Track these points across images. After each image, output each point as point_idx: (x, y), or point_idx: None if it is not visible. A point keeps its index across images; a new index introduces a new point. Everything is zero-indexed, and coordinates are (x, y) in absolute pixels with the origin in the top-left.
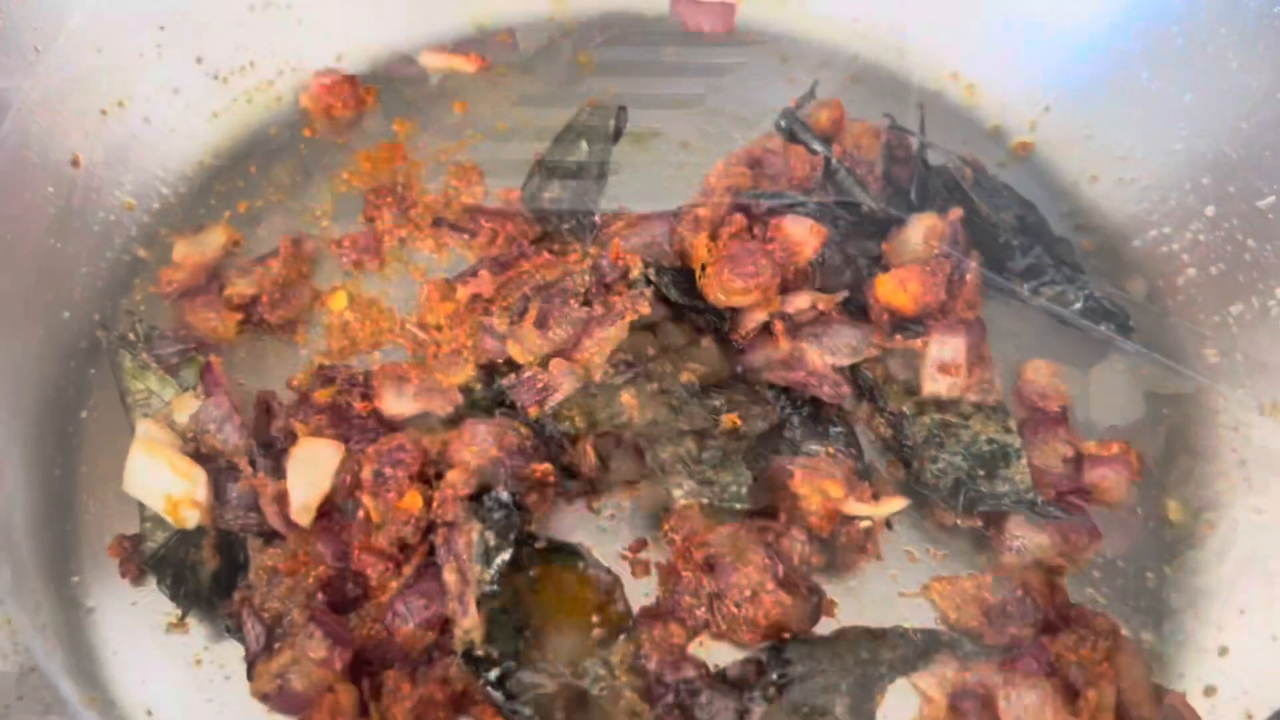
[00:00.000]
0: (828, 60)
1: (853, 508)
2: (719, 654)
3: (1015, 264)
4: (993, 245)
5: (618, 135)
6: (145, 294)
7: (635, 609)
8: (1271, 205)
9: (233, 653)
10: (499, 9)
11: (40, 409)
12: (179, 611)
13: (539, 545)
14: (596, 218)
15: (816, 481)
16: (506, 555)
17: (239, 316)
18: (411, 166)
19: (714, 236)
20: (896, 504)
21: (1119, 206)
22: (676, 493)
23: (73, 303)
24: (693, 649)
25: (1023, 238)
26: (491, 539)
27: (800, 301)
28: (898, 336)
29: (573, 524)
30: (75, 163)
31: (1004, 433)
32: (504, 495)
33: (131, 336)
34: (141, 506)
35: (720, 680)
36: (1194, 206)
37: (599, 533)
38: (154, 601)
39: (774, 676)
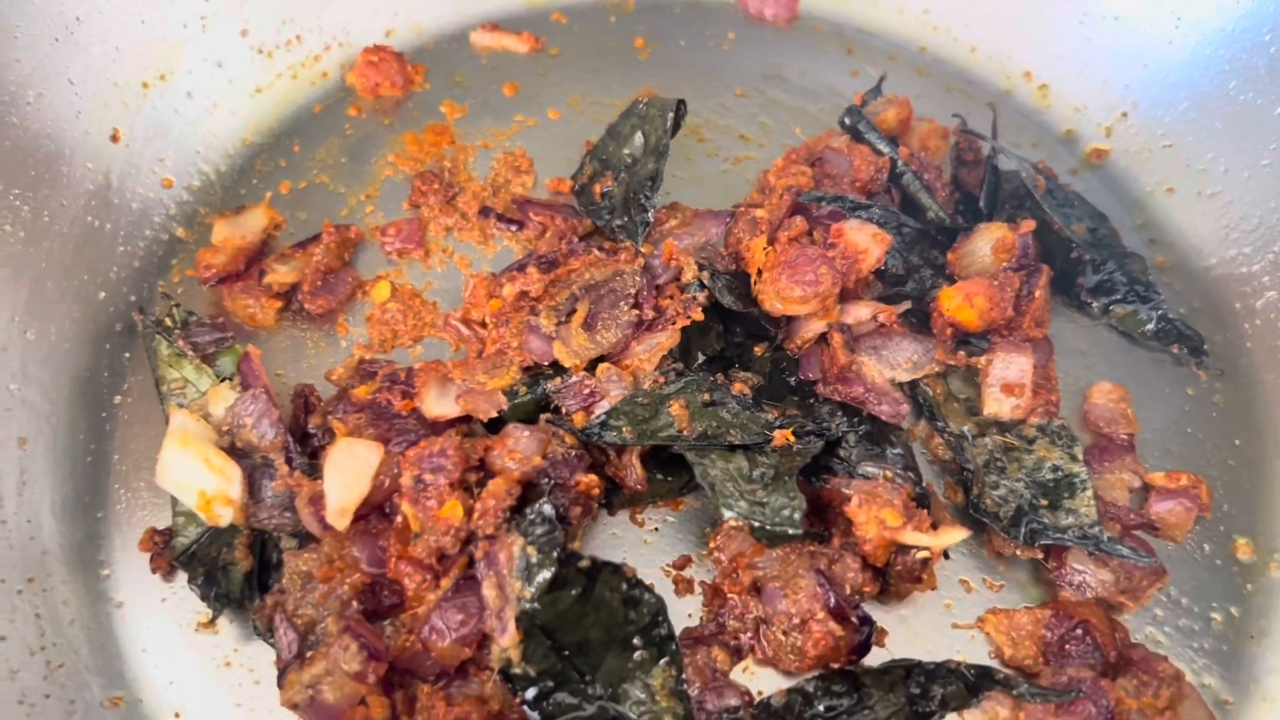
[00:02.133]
0: (894, 53)
1: (911, 538)
2: (763, 680)
3: (1086, 280)
4: (1063, 259)
5: (676, 129)
6: (183, 276)
7: (678, 629)
8: None
9: (263, 655)
10: None
11: (73, 393)
12: (209, 611)
13: (582, 564)
14: (650, 215)
15: (874, 509)
16: (549, 573)
17: (278, 304)
18: (459, 151)
19: (772, 239)
20: (957, 535)
21: (1197, 222)
22: (727, 514)
23: (109, 283)
24: (736, 675)
25: (1094, 252)
26: (534, 555)
27: (860, 312)
28: (960, 353)
29: (614, 536)
30: (115, 137)
31: (1070, 460)
32: (547, 509)
33: (168, 321)
34: (174, 500)
35: (764, 709)
36: (1278, 225)
37: (641, 546)
38: (183, 599)
39: (820, 708)
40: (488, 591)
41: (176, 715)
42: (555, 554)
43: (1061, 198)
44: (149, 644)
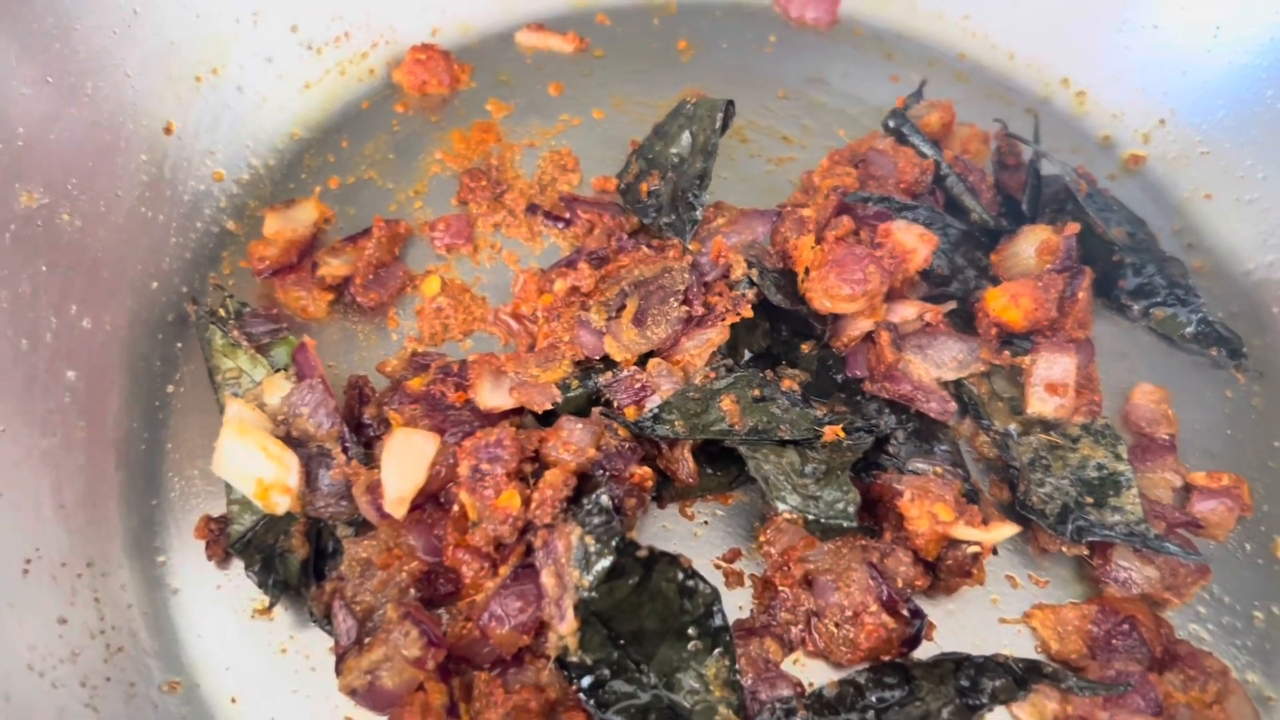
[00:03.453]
0: (934, 58)
1: (963, 533)
2: (814, 671)
3: (1126, 283)
4: (1105, 262)
5: (725, 129)
6: (234, 267)
7: (730, 622)
8: None
9: (318, 642)
10: None
11: (127, 382)
12: (265, 598)
13: (640, 554)
14: (698, 214)
15: (926, 504)
16: (607, 562)
17: (330, 296)
18: (506, 149)
19: (819, 238)
20: (1008, 530)
21: (1235, 227)
22: (781, 506)
23: (161, 273)
24: (788, 666)
25: (1134, 256)
26: (592, 544)
27: (907, 311)
28: (1005, 352)
29: (664, 529)
30: (168, 130)
31: (1114, 459)
32: (605, 500)
33: (222, 312)
34: (228, 487)
35: (816, 700)
36: None
37: (691, 539)
38: (239, 585)
39: (872, 700)
40: (546, 580)
41: (233, 700)
42: (614, 543)
43: (1101, 202)
44: (205, 630)
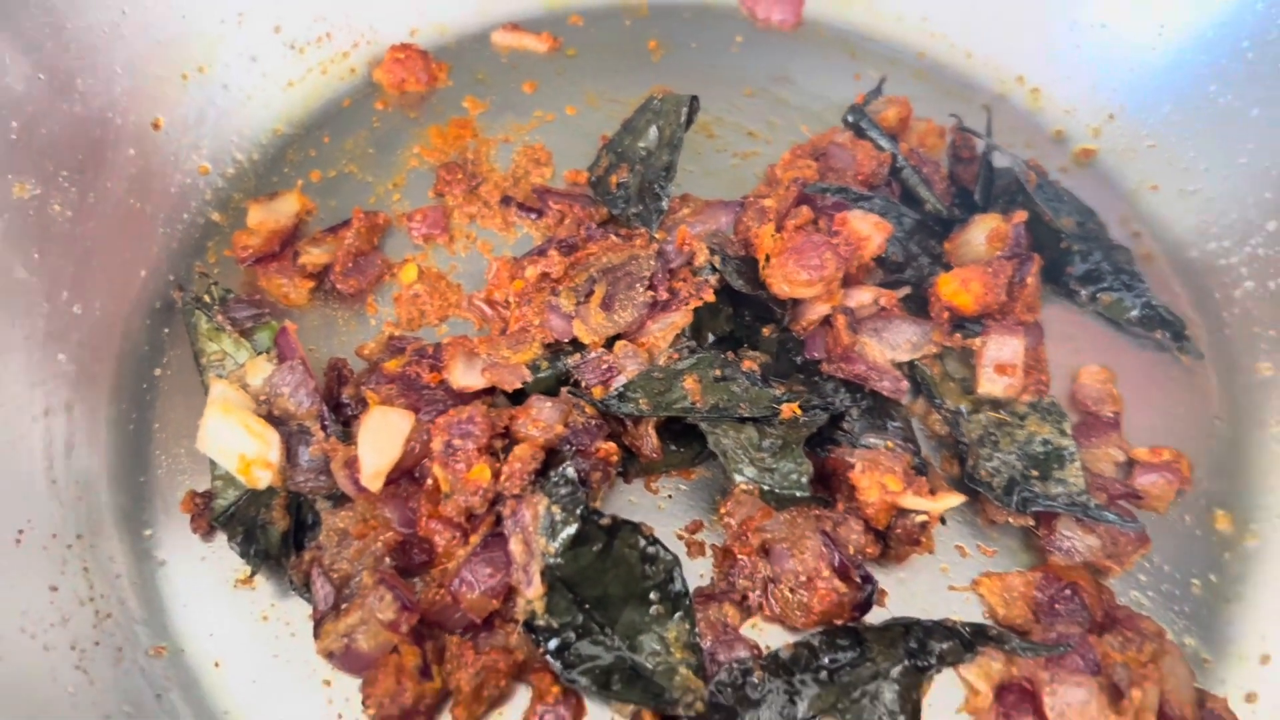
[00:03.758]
0: (895, 57)
1: (910, 502)
2: (771, 635)
3: (1074, 269)
4: (1053, 250)
5: (689, 123)
6: (219, 257)
7: (691, 589)
8: None
9: (298, 610)
10: None
11: (117, 364)
12: (247, 568)
13: (603, 522)
14: (664, 204)
15: (876, 475)
16: (572, 530)
17: (311, 284)
18: (481, 144)
19: (779, 227)
20: (953, 500)
21: (1179, 217)
22: (738, 478)
23: (149, 262)
24: (746, 630)
25: (1082, 243)
26: (558, 513)
27: (862, 296)
28: (956, 335)
29: (630, 503)
30: (156, 125)
31: (1059, 435)
32: (570, 471)
33: (207, 299)
34: (212, 464)
35: (773, 661)
36: (1255, 221)
37: (656, 512)
38: (222, 557)
39: (825, 661)
40: (514, 547)
41: (216, 665)
42: (578, 511)
43: (1051, 193)
44: (190, 599)
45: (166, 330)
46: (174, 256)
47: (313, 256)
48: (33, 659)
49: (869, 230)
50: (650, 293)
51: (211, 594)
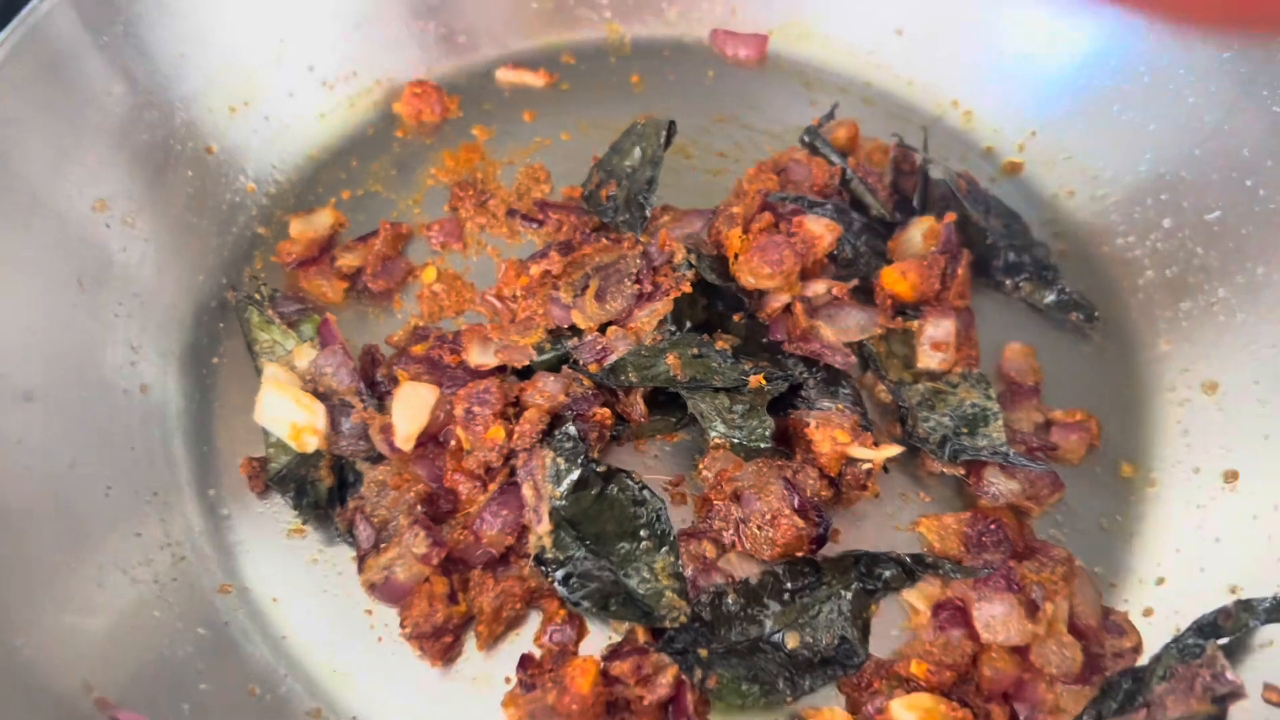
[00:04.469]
0: (845, 86)
1: (856, 452)
2: (743, 567)
3: (999, 262)
4: (981, 246)
5: (667, 144)
6: (265, 262)
7: (675, 528)
8: (1217, 219)
9: (343, 555)
10: (563, 35)
11: (183, 354)
12: (299, 520)
13: (600, 469)
14: (648, 212)
15: (828, 430)
16: (575, 476)
17: (346, 284)
18: (489, 165)
19: (745, 230)
20: (892, 450)
21: (1091, 218)
22: (713, 433)
23: (206, 268)
24: (722, 563)
25: (1007, 241)
26: (562, 463)
27: (818, 287)
28: (898, 319)
29: (623, 461)
30: (209, 151)
31: (985, 399)
32: (572, 429)
33: (257, 297)
34: (266, 434)
35: (744, 586)
36: (1154, 219)
37: (644, 469)
38: (277, 512)
39: (788, 585)
40: (526, 491)
41: (274, 600)
42: (579, 461)
43: (981, 199)
44: (251, 546)
45: (222, 324)
46: (226, 263)
47: (347, 260)
48: (126, 590)
49: (822, 231)
50: (637, 286)
51: (268, 542)
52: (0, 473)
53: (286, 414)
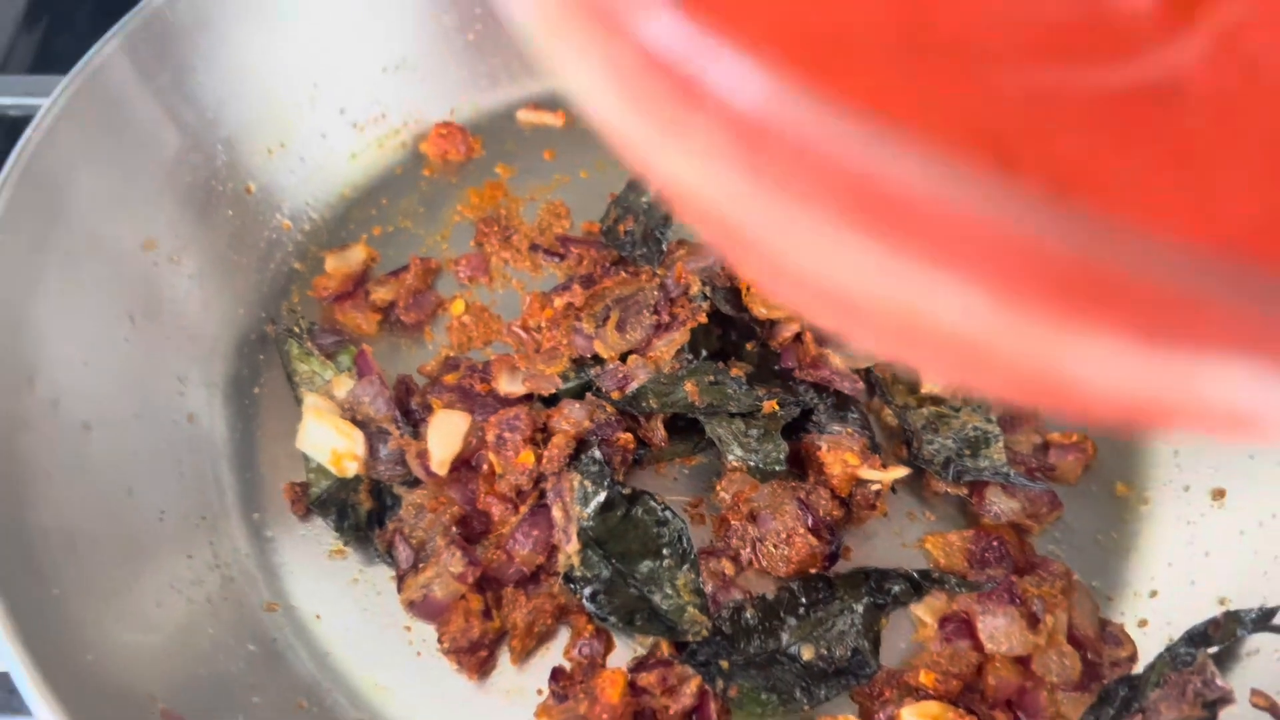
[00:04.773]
0: None
1: (866, 473)
2: (760, 584)
3: None
4: None
5: None
6: (302, 296)
7: (696, 549)
8: None
9: (382, 575)
10: None
11: (226, 385)
12: (340, 541)
13: (625, 491)
14: (664, 246)
15: (839, 453)
16: (601, 498)
17: (379, 316)
18: (512, 202)
19: None
20: (900, 471)
21: None
22: (730, 457)
23: (245, 303)
24: (740, 580)
25: None
26: (589, 486)
27: None
28: None
29: (644, 484)
30: (248, 190)
31: (986, 423)
32: (597, 454)
33: (296, 329)
34: (306, 460)
35: (762, 601)
36: None
37: (665, 491)
38: (319, 534)
39: (803, 600)
40: (555, 513)
41: (318, 617)
42: (605, 483)
43: None
44: (294, 567)
45: (262, 356)
46: (264, 298)
47: (380, 294)
48: (181, 608)
49: None
50: (655, 317)
51: (311, 563)
52: (65, 499)
53: (328, 441)
